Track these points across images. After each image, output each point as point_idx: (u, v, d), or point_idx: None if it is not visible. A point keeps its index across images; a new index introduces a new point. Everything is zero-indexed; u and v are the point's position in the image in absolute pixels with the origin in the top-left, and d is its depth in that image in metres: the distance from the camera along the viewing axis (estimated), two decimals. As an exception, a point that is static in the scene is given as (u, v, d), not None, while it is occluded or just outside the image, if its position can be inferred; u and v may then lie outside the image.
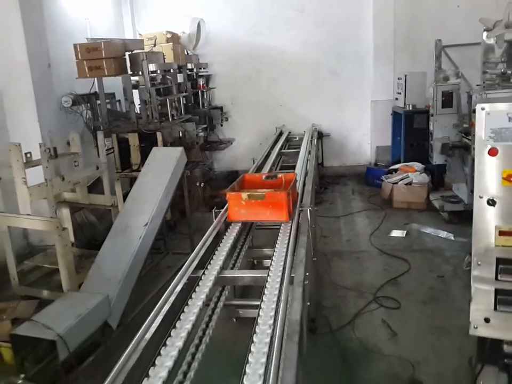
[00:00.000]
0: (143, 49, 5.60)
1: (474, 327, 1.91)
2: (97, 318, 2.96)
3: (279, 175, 3.23)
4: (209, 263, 2.42)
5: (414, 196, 5.73)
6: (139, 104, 5.67)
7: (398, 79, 6.68)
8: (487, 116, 1.68)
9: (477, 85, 4.34)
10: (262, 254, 3.33)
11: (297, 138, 6.83)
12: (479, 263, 1.83)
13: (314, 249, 3.60)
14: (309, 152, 5.42)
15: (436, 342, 3.10)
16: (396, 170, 6.36)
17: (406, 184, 5.84)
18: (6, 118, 4.63)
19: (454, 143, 4.91)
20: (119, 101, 5.97)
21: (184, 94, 6.36)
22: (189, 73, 6.91)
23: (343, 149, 7.76)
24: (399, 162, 6.57)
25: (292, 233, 2.67)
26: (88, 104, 5.39)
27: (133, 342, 1.71)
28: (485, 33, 3.64)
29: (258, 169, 4.78)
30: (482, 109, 1.69)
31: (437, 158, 5.28)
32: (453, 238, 4.74)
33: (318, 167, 7.28)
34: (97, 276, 3.32)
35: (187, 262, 2.41)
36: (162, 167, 4.07)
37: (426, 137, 5.71)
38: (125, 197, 4.50)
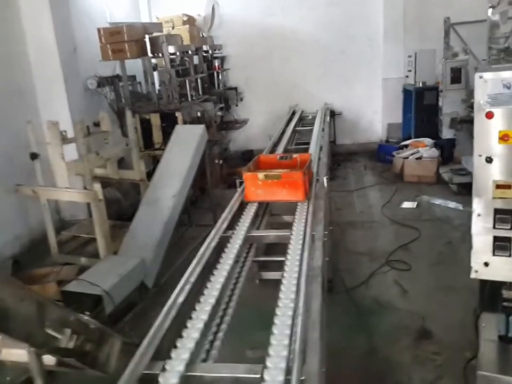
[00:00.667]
0: (162, 32, 5.84)
1: (475, 271, 2.17)
2: (135, 278, 3.28)
3: (294, 156, 3.23)
4: (237, 225, 2.70)
5: (424, 170, 5.96)
6: (159, 86, 5.93)
7: (408, 57, 6.83)
8: (484, 84, 1.91)
9: (483, 60, 4.50)
10: (283, 220, 3.59)
11: (310, 117, 7.03)
12: (479, 214, 2.08)
13: (330, 220, 3.87)
14: (323, 129, 5.65)
15: (443, 298, 3.37)
16: (406, 146, 6.58)
17: (417, 159, 6.07)
18: (37, 98, 4.92)
19: (462, 118, 5.11)
20: (139, 83, 6.23)
21: (201, 75, 6.60)
22: (204, 55, 7.13)
23: (355, 126, 7.96)
24: (409, 138, 6.78)
25: (311, 203, 2.85)
26: (112, 86, 5.66)
27: (180, 283, 2.00)
28: (490, 10, 3.79)
29: (275, 145, 5.02)
30: (480, 77, 1.92)
31: (446, 133, 5.49)
32: (461, 208, 4.97)
33: (331, 145, 7.49)
34: (132, 242, 3.64)
35: (218, 223, 2.69)
36: (186, 143, 4.35)
37: (436, 113, 5.89)
38: (147, 174, 4.79)
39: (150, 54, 5.53)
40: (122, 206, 5.43)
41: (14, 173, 4.32)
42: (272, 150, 4.82)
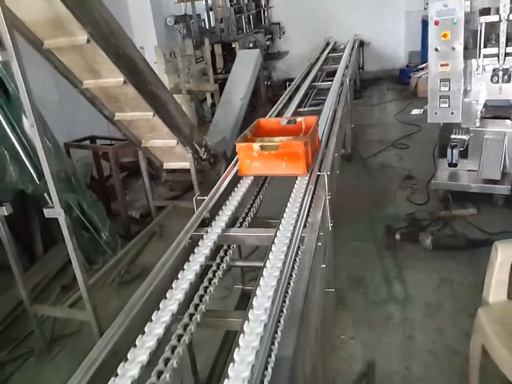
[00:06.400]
0: (222, -24, 7.29)
1: (430, 118, 3.75)
2: (221, 148, 4.99)
3: (298, 119, 2.77)
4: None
5: (433, 86, 7.30)
6: (220, 22, 7.46)
7: (427, -10, 7.98)
8: (433, 4, 3.41)
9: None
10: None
11: (342, 47, 8.37)
12: (431, 83, 3.63)
13: (352, 122, 5.43)
14: (350, 55, 7.05)
15: (427, 160, 4.89)
16: (422, 68, 7.89)
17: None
18: (133, 33, 6.57)
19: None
20: (203, 20, 7.76)
21: (252, 11, 8.04)
22: (252, -6, 8.52)
23: (381, 55, 9.25)
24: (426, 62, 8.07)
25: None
26: (184, 23, 7.23)
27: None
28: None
29: (312, 66, 6.49)
30: (432, 2, 3.42)
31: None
32: (457, 112, 6.39)
33: (359, 72, 8.85)
34: (215, 128, 5.36)
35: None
36: (246, 62, 5.95)
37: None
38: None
39: (213, -4, 7.02)
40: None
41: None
42: (309, 70, 6.31)
